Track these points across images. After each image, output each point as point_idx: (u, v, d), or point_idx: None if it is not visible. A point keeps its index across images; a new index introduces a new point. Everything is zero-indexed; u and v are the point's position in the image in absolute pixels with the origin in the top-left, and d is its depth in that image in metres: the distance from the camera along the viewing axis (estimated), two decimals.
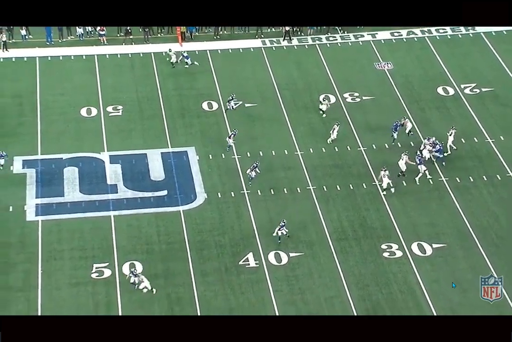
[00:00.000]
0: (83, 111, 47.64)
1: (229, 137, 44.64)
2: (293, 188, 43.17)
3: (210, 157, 44.87)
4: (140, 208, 41.63)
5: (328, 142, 45.37)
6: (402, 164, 43.27)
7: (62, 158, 44.19)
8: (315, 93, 49.34)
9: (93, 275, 37.86)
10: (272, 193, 42.89)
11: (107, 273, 37.99)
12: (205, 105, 48.47)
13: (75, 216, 40.88)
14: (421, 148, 44.40)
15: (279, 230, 39.68)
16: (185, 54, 50.96)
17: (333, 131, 45.22)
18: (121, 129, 46.40)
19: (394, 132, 45.28)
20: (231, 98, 47.31)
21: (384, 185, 42.28)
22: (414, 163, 43.08)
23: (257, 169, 42.45)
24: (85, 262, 38.46)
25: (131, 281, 37.03)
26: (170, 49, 51.27)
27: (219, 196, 42.67)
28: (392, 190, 42.33)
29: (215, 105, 48.43)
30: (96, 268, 38.19)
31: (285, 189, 43.11)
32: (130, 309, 36.43)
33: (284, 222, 39.78)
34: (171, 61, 50.91)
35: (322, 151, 45.34)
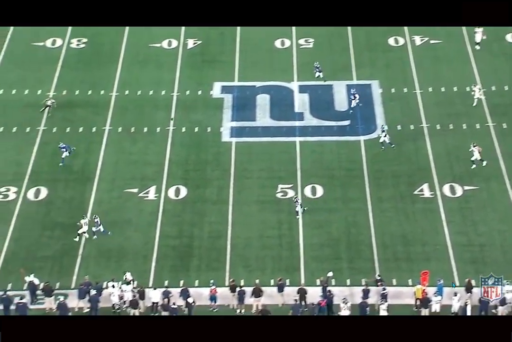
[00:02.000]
0: (277, 43, 46.69)
1: None
2: (472, 124, 40.59)
3: (393, 91, 42.94)
4: (323, 135, 40.82)
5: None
6: None
7: (255, 86, 43.90)
8: (501, 33, 45.52)
9: (278, 195, 37.61)
10: (451, 127, 40.52)
11: (291, 193, 37.60)
12: (391, 41, 46.19)
13: (264, 140, 40.70)
14: None
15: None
16: None
17: (473, 154, 38.42)
18: (311, 61, 44.98)
19: None
20: (317, 66, 43.69)
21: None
22: None
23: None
24: (271, 182, 38.27)
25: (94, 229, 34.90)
26: None
27: (399, 128, 40.88)
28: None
29: (401, 41, 46.04)
30: (281, 188, 37.89)
31: (464, 125, 40.57)
32: (310, 228, 36.02)
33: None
34: None
35: (503, 90, 42.13)
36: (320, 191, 37.68)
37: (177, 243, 35.18)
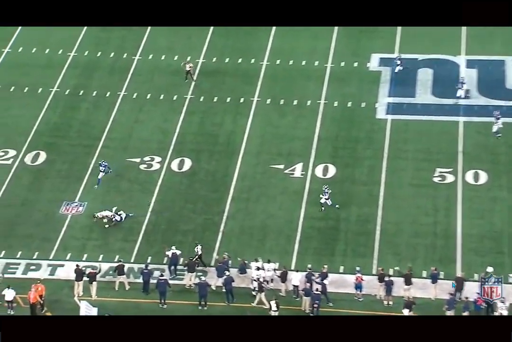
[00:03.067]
0: None
1: None
2: None
3: None
4: (491, 116, 38.26)
5: None
6: None
7: (417, 59, 42.37)
8: None
9: (435, 179, 35.97)
10: None
11: (450, 178, 35.91)
12: None
13: (423, 118, 39.19)
14: None
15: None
16: None
17: None
18: (482, 33, 42.86)
19: None
20: (398, 58, 41.01)
21: None
22: None
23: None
24: (428, 165, 36.73)
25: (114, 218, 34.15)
26: None
27: None
28: None
29: None
30: (439, 172, 36.25)
31: None
32: (470, 217, 34.11)
33: None
34: None
35: None
36: (483, 177, 35.79)
37: (322, 224, 34.29)
